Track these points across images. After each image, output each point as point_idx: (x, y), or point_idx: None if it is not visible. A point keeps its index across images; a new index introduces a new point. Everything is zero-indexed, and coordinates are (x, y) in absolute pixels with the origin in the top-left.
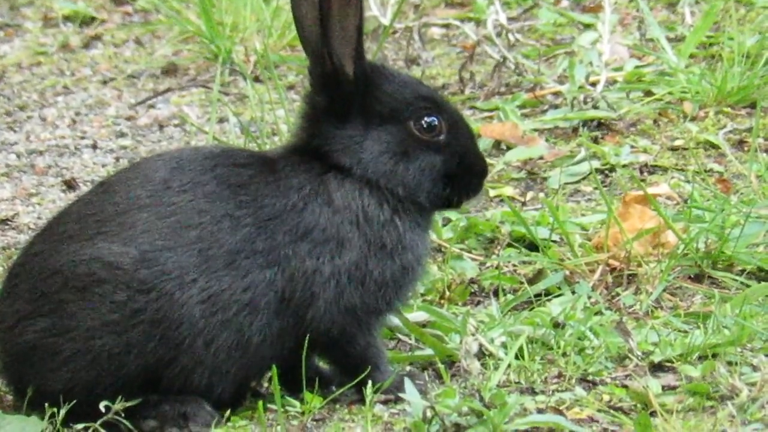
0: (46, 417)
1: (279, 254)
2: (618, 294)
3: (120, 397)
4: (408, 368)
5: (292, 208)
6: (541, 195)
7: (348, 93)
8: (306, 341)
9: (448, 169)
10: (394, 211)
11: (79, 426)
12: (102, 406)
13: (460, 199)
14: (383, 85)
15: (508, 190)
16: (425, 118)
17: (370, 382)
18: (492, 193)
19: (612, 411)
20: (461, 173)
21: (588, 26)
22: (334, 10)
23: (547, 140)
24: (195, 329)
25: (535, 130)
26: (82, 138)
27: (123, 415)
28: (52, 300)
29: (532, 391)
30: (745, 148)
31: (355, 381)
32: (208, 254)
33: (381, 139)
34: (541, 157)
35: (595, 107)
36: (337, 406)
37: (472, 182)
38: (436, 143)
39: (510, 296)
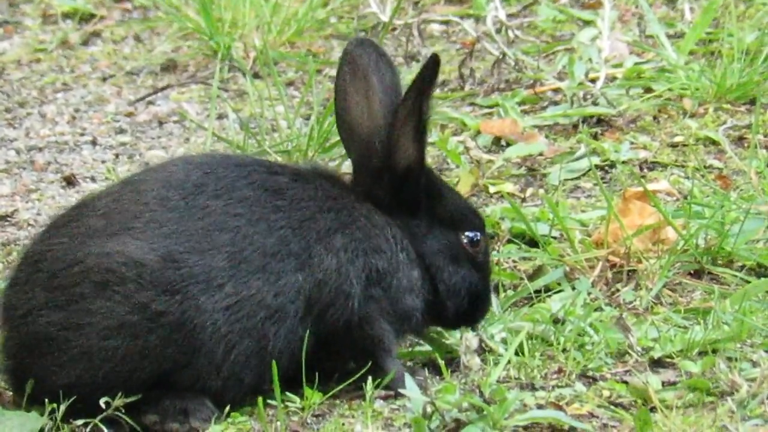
0: (46, 413)
1: (311, 253)
2: (618, 290)
3: (120, 393)
4: (408, 364)
5: (329, 210)
6: (541, 191)
7: (414, 196)
8: (305, 340)
9: (479, 289)
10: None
11: (80, 422)
12: (102, 402)
13: (464, 324)
14: (442, 190)
15: (508, 187)
16: (473, 233)
17: (370, 378)
18: (492, 189)
19: (612, 407)
20: (481, 299)
21: (587, 23)
22: (403, 114)
23: (546, 137)
24: (217, 335)
25: (535, 126)
26: (82, 134)
27: (123, 410)
28: (70, 292)
29: (532, 387)
30: (745, 145)
31: (365, 368)
32: (240, 257)
33: (440, 240)
34: (540, 154)
35: (594, 104)
36: (338, 401)
37: (482, 310)
38: (477, 260)
39: (510, 292)
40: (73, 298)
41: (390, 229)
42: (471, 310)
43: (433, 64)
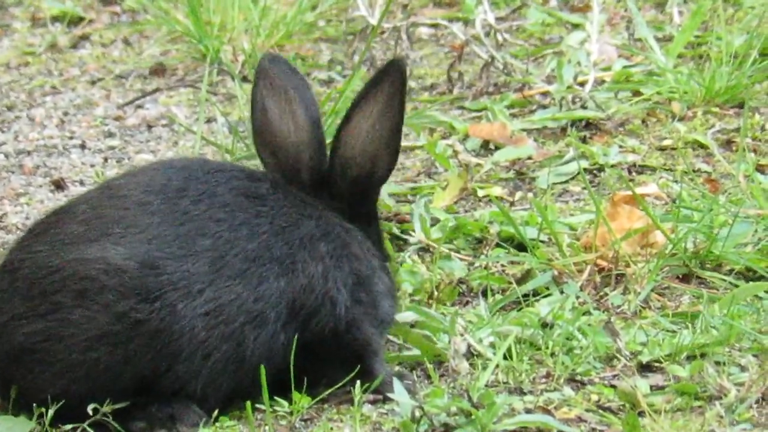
0: (35, 417)
1: (295, 259)
2: (606, 294)
3: (108, 400)
4: (396, 368)
5: (310, 216)
6: (530, 195)
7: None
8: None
9: None
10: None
11: (68, 427)
12: (90, 408)
13: None
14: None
15: (497, 190)
16: None
17: (359, 382)
18: (480, 193)
19: (600, 411)
20: None
21: (576, 26)
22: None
23: (535, 140)
24: (195, 341)
25: (524, 130)
26: (71, 138)
27: (111, 416)
28: (49, 300)
29: (521, 391)
30: (734, 148)
31: (353, 373)
32: (222, 262)
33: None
34: (529, 157)
35: (583, 107)
36: (326, 405)
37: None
38: None
39: (498, 296)
40: (52, 307)
41: (359, 236)
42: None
43: (398, 73)
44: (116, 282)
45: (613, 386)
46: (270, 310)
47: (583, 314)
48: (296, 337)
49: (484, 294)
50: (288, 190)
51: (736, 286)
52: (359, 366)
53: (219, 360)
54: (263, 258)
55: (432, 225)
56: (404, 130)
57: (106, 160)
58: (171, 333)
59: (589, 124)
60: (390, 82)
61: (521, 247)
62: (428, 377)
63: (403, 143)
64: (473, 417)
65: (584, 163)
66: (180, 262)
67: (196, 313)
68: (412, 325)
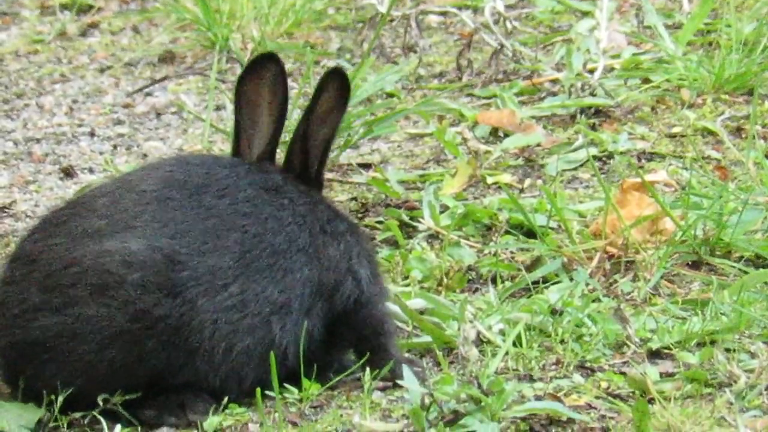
0: (44, 404)
1: (317, 243)
2: (616, 281)
3: (119, 390)
4: (406, 355)
5: (322, 201)
6: (539, 182)
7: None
8: (303, 333)
9: None
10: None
11: (77, 414)
12: (100, 399)
13: None
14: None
15: (506, 178)
16: None
17: (368, 369)
18: (490, 180)
19: (610, 398)
20: None
21: (586, 13)
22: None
23: (544, 127)
24: (217, 335)
25: (533, 117)
26: (80, 126)
27: (121, 404)
28: (66, 294)
29: (530, 378)
30: (743, 135)
31: (364, 359)
32: (250, 256)
33: None
34: (538, 145)
35: (592, 94)
36: (336, 392)
37: None
38: None
39: (508, 283)
40: (68, 301)
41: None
42: None
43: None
44: (138, 276)
45: (622, 373)
46: (294, 299)
47: (593, 301)
48: (320, 317)
49: (494, 281)
50: (289, 178)
51: (746, 272)
52: (374, 345)
53: (242, 352)
54: (291, 250)
55: (441, 212)
56: (414, 117)
57: (115, 147)
58: (190, 329)
59: (598, 112)
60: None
61: (530, 234)
62: (438, 364)
63: (413, 130)
64: (483, 404)
65: (593, 151)
66: (205, 258)
67: (218, 307)
68: (422, 312)
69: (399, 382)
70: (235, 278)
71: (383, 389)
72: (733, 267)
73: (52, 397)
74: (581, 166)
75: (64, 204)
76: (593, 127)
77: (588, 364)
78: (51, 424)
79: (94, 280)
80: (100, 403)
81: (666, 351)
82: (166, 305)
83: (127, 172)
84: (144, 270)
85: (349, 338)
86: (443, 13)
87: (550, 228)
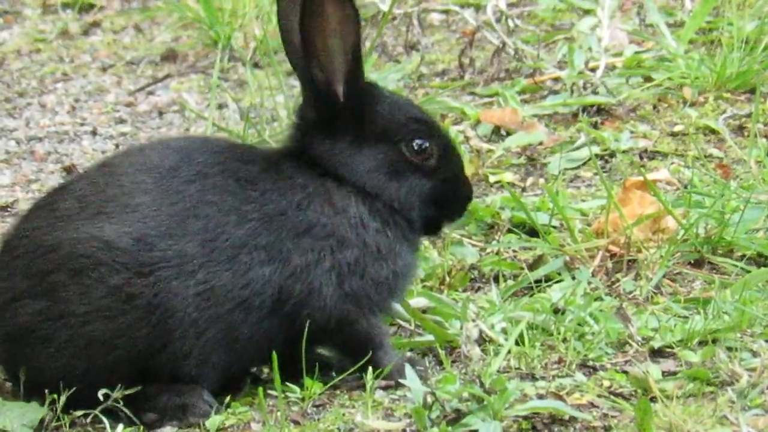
0: (47, 403)
1: (281, 250)
2: (618, 280)
3: (120, 386)
4: (408, 354)
5: (297, 206)
6: (541, 181)
7: (338, 111)
8: (305, 332)
9: (436, 194)
10: (384, 223)
11: (79, 413)
12: (101, 394)
13: (444, 222)
14: (376, 105)
15: (508, 176)
16: (416, 141)
17: (370, 368)
18: (492, 178)
19: (612, 396)
20: (449, 198)
21: (587, 12)
22: (331, 28)
23: (546, 126)
24: (188, 320)
25: (535, 115)
26: (82, 124)
27: (122, 403)
28: (47, 280)
29: (533, 377)
30: (745, 134)
31: (360, 363)
32: (212, 246)
33: (372, 158)
34: (540, 143)
35: (594, 93)
36: (338, 391)
37: (457, 206)
38: (426, 167)
39: (510, 282)
40: (50, 286)
41: (351, 199)
42: (441, 214)
43: None
44: (109, 257)
45: (624, 372)
46: (255, 297)
47: (595, 300)
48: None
49: (496, 280)
50: (279, 168)
51: (748, 271)
52: (365, 360)
53: (210, 341)
54: (249, 246)
55: None
56: None
57: (117, 146)
58: (165, 309)
59: (600, 110)
60: None
61: (533, 233)
62: (440, 363)
63: None
64: (485, 403)
65: (595, 149)
66: (172, 241)
67: (189, 292)
68: (424, 311)
69: (401, 381)
70: (200, 266)
71: (385, 388)
72: (735, 265)
73: (55, 396)
74: (583, 164)
75: (49, 190)
76: (595, 126)
77: (590, 363)
78: (53, 424)
79: (72, 265)
80: (101, 399)
81: (668, 350)
82: (137, 283)
83: (111, 156)
84: (113, 251)
85: (340, 352)
86: (445, 12)
87: (553, 227)
